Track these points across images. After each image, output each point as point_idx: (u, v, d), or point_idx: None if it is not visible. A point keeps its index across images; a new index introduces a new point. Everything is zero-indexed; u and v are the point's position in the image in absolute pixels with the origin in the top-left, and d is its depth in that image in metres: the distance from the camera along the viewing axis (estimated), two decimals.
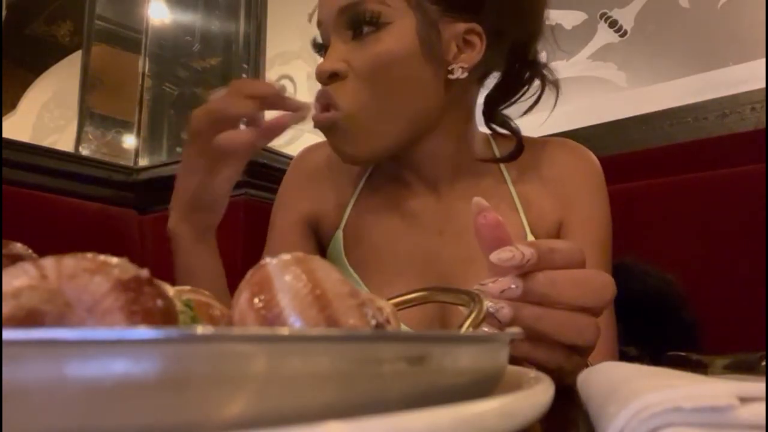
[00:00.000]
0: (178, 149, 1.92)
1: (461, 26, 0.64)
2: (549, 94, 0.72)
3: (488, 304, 0.36)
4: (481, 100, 0.73)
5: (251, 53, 1.86)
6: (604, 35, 1.41)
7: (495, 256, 0.37)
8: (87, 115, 1.91)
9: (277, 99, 0.58)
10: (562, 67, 1.44)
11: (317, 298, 0.21)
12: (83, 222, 1.17)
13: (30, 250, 0.27)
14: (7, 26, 2.98)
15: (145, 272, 0.19)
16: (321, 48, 0.68)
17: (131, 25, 1.99)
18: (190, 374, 0.14)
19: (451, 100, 0.66)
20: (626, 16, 1.39)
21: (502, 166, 0.71)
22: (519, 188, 0.70)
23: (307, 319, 0.20)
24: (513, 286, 0.38)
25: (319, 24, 0.67)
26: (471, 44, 0.64)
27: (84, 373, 0.13)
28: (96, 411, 0.13)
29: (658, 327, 0.78)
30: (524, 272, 0.38)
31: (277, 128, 0.59)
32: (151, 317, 0.19)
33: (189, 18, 2.03)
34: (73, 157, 1.39)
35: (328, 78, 0.64)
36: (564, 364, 0.40)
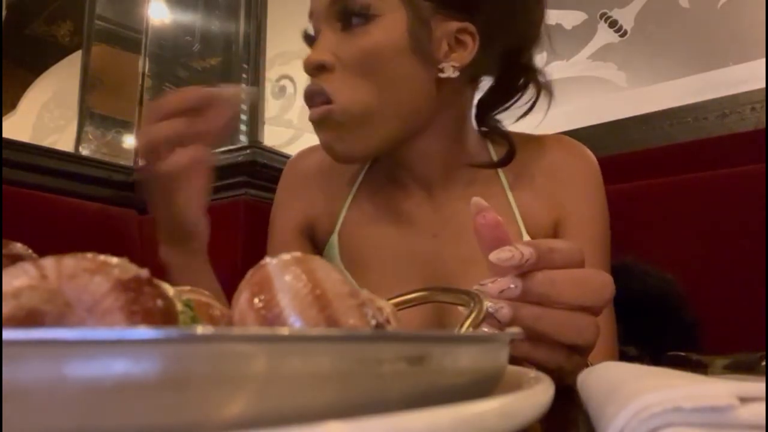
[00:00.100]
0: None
1: (454, 25, 0.63)
2: (543, 97, 0.72)
3: (488, 304, 0.36)
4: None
5: (251, 53, 1.86)
6: (604, 35, 1.41)
7: (494, 256, 0.37)
8: (87, 115, 1.91)
9: (204, 100, 0.55)
10: (562, 67, 1.45)
11: (317, 298, 0.21)
12: (83, 222, 1.17)
13: (30, 250, 0.27)
14: (7, 26, 2.98)
15: (145, 272, 0.19)
16: (312, 40, 0.67)
17: (131, 25, 1.99)
18: (190, 374, 0.14)
19: (443, 99, 0.65)
20: (626, 16, 1.39)
21: (494, 155, 0.71)
22: (514, 187, 0.70)
23: (307, 319, 0.20)
24: (512, 285, 0.38)
25: (311, 15, 0.66)
26: (463, 44, 0.64)
27: (84, 373, 0.13)
28: (96, 411, 0.13)
29: (658, 327, 0.78)
30: (523, 272, 0.38)
31: (216, 132, 0.56)
32: (151, 317, 0.19)
33: (189, 18, 2.03)
34: (73, 157, 1.39)
35: (314, 69, 0.63)
36: (564, 363, 0.40)
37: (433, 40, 0.62)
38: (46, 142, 2.82)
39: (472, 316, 0.29)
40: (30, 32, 3.17)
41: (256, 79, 1.83)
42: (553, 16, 1.44)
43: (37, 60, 3.22)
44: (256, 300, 0.21)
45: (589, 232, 0.67)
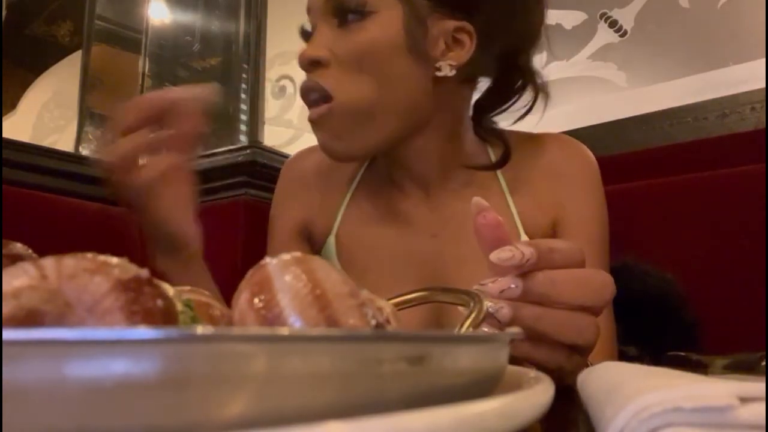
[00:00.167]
0: None
1: (451, 23, 0.62)
2: (540, 99, 0.71)
3: (488, 304, 0.36)
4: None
5: (251, 53, 1.86)
6: (604, 35, 1.41)
7: (495, 256, 0.37)
8: (87, 115, 1.91)
9: (165, 105, 0.53)
10: (562, 67, 1.45)
11: (317, 298, 0.21)
12: (83, 222, 1.17)
13: (30, 250, 0.27)
14: (7, 26, 2.98)
15: (145, 272, 0.19)
16: (308, 36, 0.67)
17: (131, 25, 1.99)
18: (190, 374, 0.14)
19: (440, 98, 0.65)
20: (626, 16, 1.39)
21: (492, 156, 0.71)
22: (512, 187, 0.70)
23: (307, 319, 0.20)
24: (513, 285, 0.38)
25: (308, 11, 0.66)
26: (460, 43, 0.63)
27: (84, 373, 0.13)
28: (96, 411, 0.13)
29: (658, 327, 0.78)
30: (524, 272, 0.38)
31: (186, 136, 0.54)
32: (151, 317, 0.19)
33: (189, 18, 2.03)
34: (73, 157, 1.39)
35: (309, 64, 0.63)
36: (564, 363, 0.40)
37: (429, 38, 0.62)
38: (46, 142, 2.83)
39: (472, 316, 0.29)
40: (30, 32, 3.17)
41: (256, 79, 1.83)
42: (553, 16, 1.44)
43: (37, 60, 3.22)
44: (256, 300, 0.21)
45: (587, 231, 0.67)
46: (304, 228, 0.77)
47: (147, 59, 1.92)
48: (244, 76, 1.89)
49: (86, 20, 2.03)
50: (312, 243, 0.76)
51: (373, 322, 0.23)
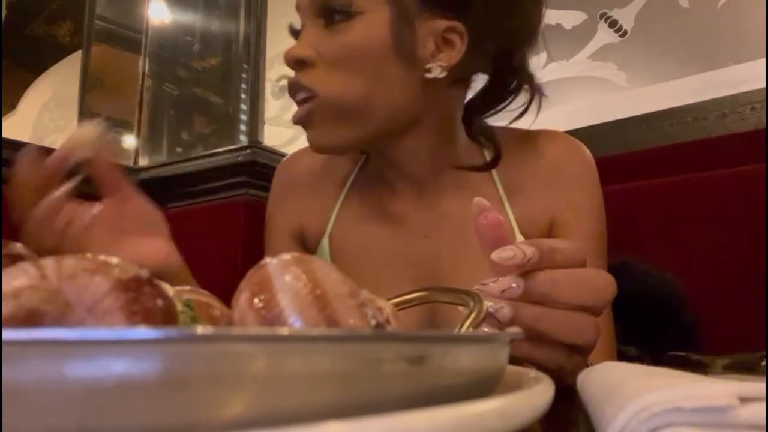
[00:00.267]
0: (179, 149, 1.92)
1: (441, 23, 0.61)
2: (536, 98, 0.70)
3: (488, 303, 0.36)
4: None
5: (251, 53, 1.86)
6: (604, 35, 1.41)
7: (496, 255, 0.37)
8: (87, 115, 1.91)
9: (67, 159, 0.51)
10: (562, 67, 1.45)
11: (317, 298, 0.21)
12: None
13: (30, 250, 0.27)
14: (7, 26, 2.98)
15: (145, 272, 0.19)
16: (297, 34, 0.66)
17: (131, 25, 1.99)
18: (190, 374, 0.14)
19: (430, 99, 0.64)
20: (626, 16, 1.39)
21: (488, 156, 0.69)
22: (507, 186, 0.69)
23: (307, 319, 0.20)
24: (514, 285, 0.38)
25: (297, 9, 0.65)
26: (451, 43, 0.62)
27: (84, 373, 0.13)
28: (96, 411, 0.13)
29: (658, 327, 0.78)
30: (525, 271, 0.38)
31: (104, 177, 0.53)
32: (151, 317, 0.19)
33: (189, 18, 2.03)
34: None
35: (294, 63, 0.63)
36: (564, 363, 0.40)
37: (418, 38, 0.61)
38: (46, 142, 2.83)
39: (472, 316, 0.29)
40: (30, 32, 3.18)
41: (256, 79, 1.83)
42: (553, 16, 1.45)
43: (37, 60, 3.22)
44: (256, 300, 0.21)
45: (586, 230, 0.66)
46: (299, 231, 0.76)
47: (147, 59, 1.92)
48: (244, 76, 1.89)
49: (86, 20, 2.03)
50: (306, 245, 0.76)
51: (373, 322, 0.23)
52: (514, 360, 0.26)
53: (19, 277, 0.18)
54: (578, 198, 0.68)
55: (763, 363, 0.41)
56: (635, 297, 0.73)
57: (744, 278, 0.87)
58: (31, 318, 0.17)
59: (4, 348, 0.13)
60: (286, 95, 0.57)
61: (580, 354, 0.41)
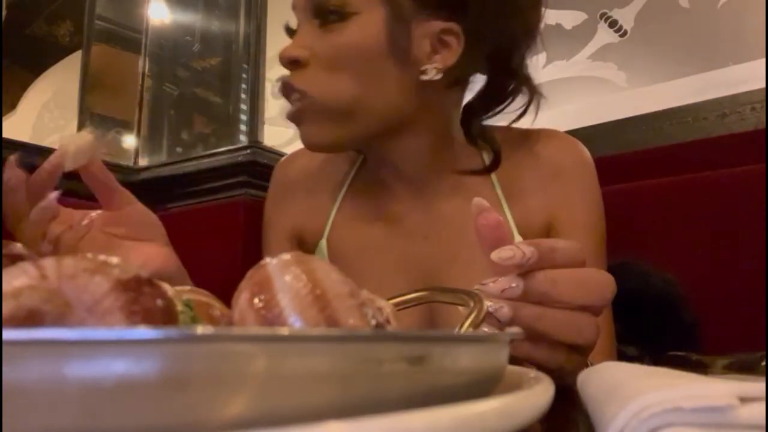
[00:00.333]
0: (179, 149, 1.92)
1: (437, 25, 0.60)
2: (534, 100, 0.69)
3: (488, 303, 0.36)
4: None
5: (251, 53, 1.86)
6: (604, 35, 1.41)
7: (496, 255, 0.37)
8: (87, 115, 1.91)
9: (59, 169, 0.51)
10: (562, 67, 1.45)
11: (317, 298, 0.21)
12: None
13: (30, 250, 0.27)
14: (7, 26, 2.98)
15: (145, 272, 0.19)
16: (293, 33, 0.66)
17: (131, 25, 1.99)
18: (190, 374, 0.14)
19: (426, 100, 0.63)
20: (626, 16, 1.39)
21: (487, 159, 0.69)
22: (505, 187, 0.68)
23: (307, 319, 0.20)
24: (513, 285, 0.38)
25: (293, 8, 0.65)
26: (447, 45, 0.61)
27: (84, 373, 0.13)
28: (96, 411, 0.13)
29: (658, 327, 0.78)
30: (525, 271, 0.38)
31: (97, 184, 0.53)
32: (151, 317, 0.19)
33: (189, 18, 2.03)
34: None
35: (288, 63, 0.63)
36: (564, 363, 0.40)
37: (413, 39, 0.60)
38: (46, 142, 2.83)
39: (472, 316, 0.29)
40: (30, 32, 3.18)
41: (256, 79, 1.83)
42: (553, 16, 1.45)
43: (37, 60, 3.22)
44: (256, 300, 0.21)
45: (584, 229, 0.66)
46: (297, 232, 0.76)
47: (147, 59, 1.92)
48: (244, 76, 1.89)
49: (86, 20, 2.03)
50: (304, 247, 0.75)
51: (373, 322, 0.23)
52: (514, 360, 0.26)
53: (19, 277, 0.18)
54: (577, 197, 0.68)
55: (763, 363, 0.41)
56: (635, 297, 0.73)
57: (744, 278, 0.87)
58: (31, 318, 0.17)
59: (4, 348, 0.13)
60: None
61: (580, 354, 0.41)
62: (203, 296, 0.27)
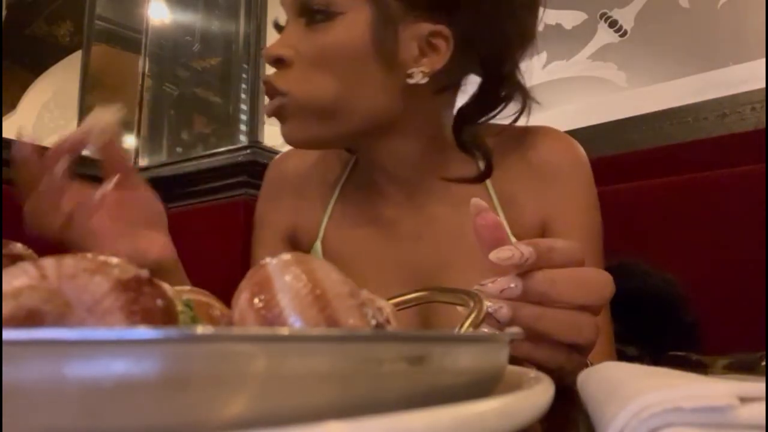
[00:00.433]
0: (179, 149, 1.92)
1: (426, 27, 0.59)
2: (539, 97, 0.67)
3: (487, 304, 0.36)
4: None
5: (251, 53, 1.86)
6: (604, 35, 1.41)
7: (494, 255, 0.37)
8: (87, 115, 1.91)
9: (80, 145, 0.52)
10: (562, 67, 1.45)
11: (317, 298, 0.21)
12: None
13: (30, 250, 0.27)
14: (7, 26, 2.98)
15: (145, 272, 0.19)
16: (281, 30, 0.66)
17: (131, 25, 1.99)
18: (190, 374, 0.14)
19: (413, 103, 0.62)
20: (626, 16, 1.39)
21: (481, 164, 0.67)
22: (498, 187, 0.67)
23: (307, 319, 0.20)
24: (512, 285, 0.38)
25: (282, 4, 0.65)
26: (435, 48, 0.60)
27: (84, 373, 0.13)
28: (96, 411, 0.13)
29: (658, 327, 0.78)
30: (523, 271, 0.38)
31: (113, 165, 0.54)
32: (151, 317, 0.19)
33: (189, 18, 2.03)
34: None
35: (273, 61, 0.62)
36: (564, 363, 0.40)
37: (400, 42, 0.59)
38: (46, 142, 2.82)
39: (472, 316, 0.29)
40: (30, 32, 3.18)
41: (256, 79, 1.83)
42: (553, 16, 1.45)
43: (37, 60, 3.22)
44: (256, 300, 0.21)
45: (580, 230, 0.65)
46: (290, 231, 0.75)
47: (147, 59, 1.92)
48: (244, 76, 1.89)
49: (86, 20, 2.04)
50: (297, 247, 0.75)
51: (373, 322, 0.23)
52: (514, 360, 0.26)
53: (19, 277, 0.18)
54: (572, 198, 0.67)
55: (763, 363, 0.41)
56: (635, 297, 0.73)
57: (744, 278, 0.87)
58: (31, 318, 0.17)
59: (4, 348, 0.13)
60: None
61: (580, 353, 0.41)
62: (203, 296, 0.27)
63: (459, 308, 0.32)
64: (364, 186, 0.71)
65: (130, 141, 1.85)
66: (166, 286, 0.22)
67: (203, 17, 2.02)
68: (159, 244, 0.58)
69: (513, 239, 0.65)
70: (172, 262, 0.60)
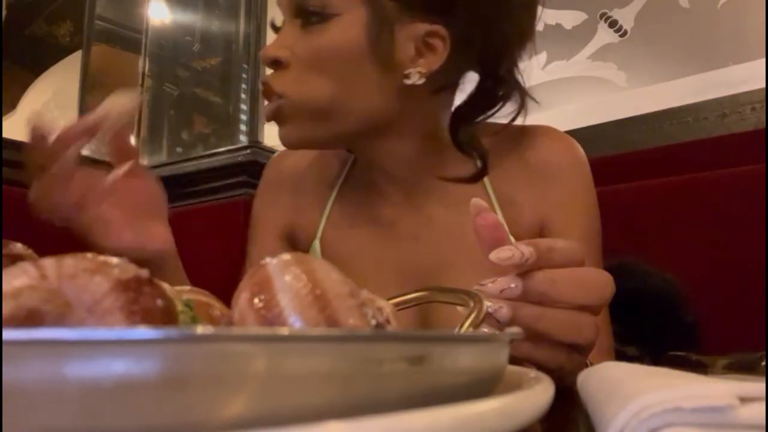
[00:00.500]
0: (179, 149, 1.92)
1: (422, 27, 0.59)
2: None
3: (487, 304, 0.36)
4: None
5: (251, 53, 1.86)
6: (604, 35, 1.41)
7: (494, 255, 0.37)
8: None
9: (94, 128, 0.52)
10: (562, 67, 1.45)
11: (317, 298, 0.21)
12: None
13: (30, 250, 0.27)
14: (7, 26, 2.98)
15: (145, 272, 0.19)
16: (278, 30, 0.65)
17: (131, 25, 1.99)
18: (190, 374, 0.14)
19: (410, 104, 0.62)
20: (626, 16, 1.39)
21: (479, 164, 0.66)
22: (497, 187, 0.67)
23: (307, 319, 0.20)
24: (513, 285, 0.38)
25: (278, 4, 0.64)
26: (432, 48, 0.59)
27: (84, 373, 0.13)
28: (96, 411, 0.13)
29: (658, 327, 0.78)
30: (524, 271, 0.38)
31: (122, 151, 0.54)
32: (151, 317, 0.19)
33: (189, 18, 2.03)
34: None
35: (269, 63, 0.62)
36: (564, 363, 0.40)
37: (396, 42, 0.59)
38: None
39: (472, 316, 0.29)
40: (30, 32, 3.18)
41: (256, 79, 1.83)
42: (553, 16, 1.45)
43: (37, 60, 3.22)
44: (256, 300, 0.21)
45: (578, 230, 0.65)
46: (288, 230, 0.75)
47: (147, 59, 1.92)
48: (244, 76, 1.89)
49: (86, 20, 2.04)
50: (296, 245, 0.75)
51: (373, 322, 0.23)
52: (514, 360, 0.26)
53: (19, 277, 0.18)
54: (570, 196, 0.67)
55: (763, 363, 0.41)
56: (635, 297, 0.73)
57: (744, 278, 0.87)
58: (31, 318, 0.17)
59: (4, 348, 0.13)
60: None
61: (580, 353, 0.41)
62: (203, 296, 0.27)
63: (459, 308, 0.32)
64: (363, 185, 0.71)
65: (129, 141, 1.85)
66: (166, 286, 0.22)
67: (203, 17, 2.02)
68: (162, 235, 0.59)
69: (512, 239, 0.65)
70: (172, 253, 0.60)
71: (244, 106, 1.87)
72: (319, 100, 0.60)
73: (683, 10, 1.31)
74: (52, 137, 0.50)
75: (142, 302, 0.19)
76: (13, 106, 3.28)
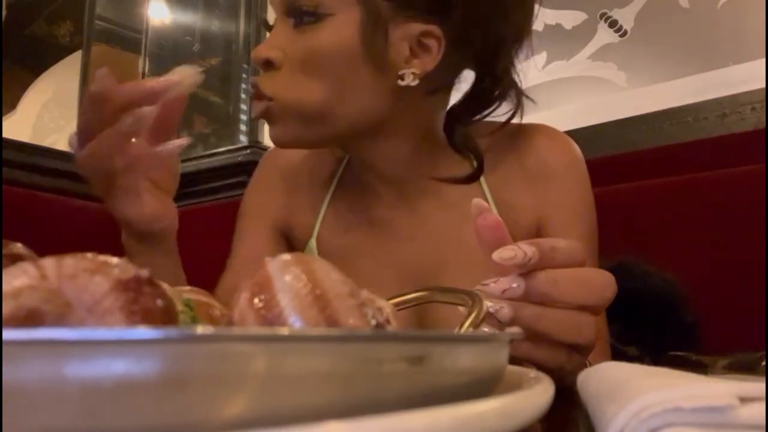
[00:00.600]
0: None
1: (416, 27, 0.58)
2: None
3: (488, 304, 0.36)
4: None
5: (251, 53, 1.86)
6: (604, 35, 1.41)
7: (497, 255, 0.37)
8: None
9: (148, 95, 0.51)
10: (562, 67, 1.45)
11: (317, 298, 0.21)
12: (83, 222, 1.17)
13: (30, 250, 0.27)
14: (7, 26, 2.98)
15: (145, 272, 0.19)
16: (270, 29, 0.65)
17: (131, 25, 1.99)
18: (190, 374, 0.14)
19: (404, 106, 0.61)
20: (626, 16, 1.39)
21: (475, 165, 0.65)
22: (493, 187, 0.67)
23: (307, 319, 0.20)
24: (515, 285, 0.38)
25: (271, 3, 0.64)
26: (427, 49, 0.59)
27: (84, 373, 0.13)
28: (96, 411, 0.13)
29: (658, 327, 0.78)
30: (525, 271, 0.38)
31: (171, 122, 0.54)
32: (151, 317, 0.19)
33: (189, 18, 2.03)
34: (73, 157, 1.39)
35: (261, 64, 0.61)
36: (564, 363, 0.40)
37: (390, 43, 0.58)
38: (46, 142, 2.82)
39: (472, 316, 0.29)
40: (30, 32, 3.18)
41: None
42: (553, 16, 1.45)
43: (37, 60, 3.22)
44: (256, 300, 0.21)
45: (575, 230, 0.65)
46: (283, 227, 0.75)
47: (147, 59, 1.92)
48: (244, 76, 1.89)
49: (86, 20, 2.04)
50: (293, 244, 0.74)
51: (373, 322, 0.23)
52: (514, 360, 0.26)
53: (19, 277, 0.18)
54: (567, 196, 0.66)
55: (763, 363, 0.41)
56: (635, 297, 0.73)
57: (744, 278, 0.87)
58: (31, 318, 0.17)
59: (4, 348, 0.13)
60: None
61: (580, 353, 0.41)
62: (203, 296, 0.27)
63: (459, 308, 0.32)
64: (358, 185, 0.71)
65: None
66: (166, 286, 0.22)
67: (203, 17, 2.02)
68: (174, 210, 0.59)
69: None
70: (175, 231, 0.60)
71: (244, 106, 1.87)
72: (310, 103, 0.59)
73: (683, 10, 1.31)
74: (116, 96, 0.50)
75: (142, 302, 0.19)
76: (13, 106, 3.28)
